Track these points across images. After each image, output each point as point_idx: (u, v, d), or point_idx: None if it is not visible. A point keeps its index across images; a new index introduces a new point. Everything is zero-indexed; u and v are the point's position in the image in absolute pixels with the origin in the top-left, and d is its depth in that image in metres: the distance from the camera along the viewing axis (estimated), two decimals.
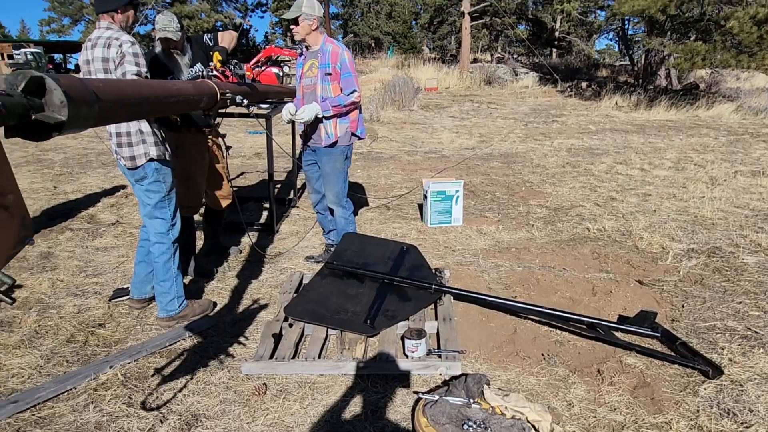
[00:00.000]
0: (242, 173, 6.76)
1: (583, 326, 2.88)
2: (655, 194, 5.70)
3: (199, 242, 3.95)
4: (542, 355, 2.67)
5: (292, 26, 3.33)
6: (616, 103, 15.88)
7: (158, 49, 3.20)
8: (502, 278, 3.58)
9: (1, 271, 1.02)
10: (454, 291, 3.09)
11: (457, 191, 4.60)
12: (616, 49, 40.57)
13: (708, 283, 3.49)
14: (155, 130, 2.70)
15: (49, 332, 2.82)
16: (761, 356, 2.63)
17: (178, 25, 3.09)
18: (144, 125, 2.63)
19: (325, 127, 3.43)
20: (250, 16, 36.32)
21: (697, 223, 4.71)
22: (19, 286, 3.36)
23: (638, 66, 20.34)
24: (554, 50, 34.54)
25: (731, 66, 13.84)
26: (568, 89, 19.45)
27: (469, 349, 2.70)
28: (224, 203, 3.79)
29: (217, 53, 3.17)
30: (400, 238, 4.35)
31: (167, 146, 2.79)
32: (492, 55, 35.35)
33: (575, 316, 2.90)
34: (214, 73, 3.13)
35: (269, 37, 46.84)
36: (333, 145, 3.45)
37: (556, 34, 32.49)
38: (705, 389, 2.38)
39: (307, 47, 3.46)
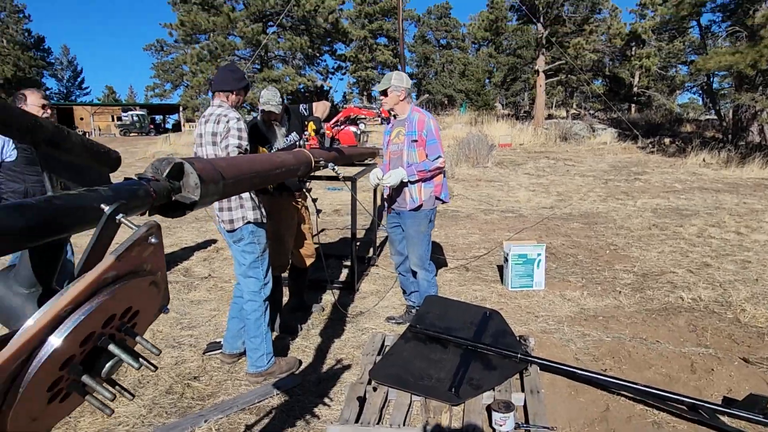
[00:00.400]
0: (322, 230, 7.00)
1: (684, 407, 2.69)
2: (755, 261, 5.32)
3: (284, 298, 4.10)
4: None
5: (381, 97, 3.53)
6: (704, 160, 15.15)
7: (259, 117, 3.49)
8: (590, 349, 3.43)
9: (149, 341, 1.14)
10: (540, 361, 3.00)
11: (539, 254, 4.53)
12: (701, 103, 38.97)
13: None
14: (252, 196, 2.91)
15: (150, 382, 3.01)
16: None
17: (280, 100, 3.38)
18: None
19: (410, 191, 3.54)
20: (331, 78, 38.39)
21: None
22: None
23: (727, 121, 19.40)
24: (633, 105, 33.72)
25: None
26: (650, 145, 18.81)
27: (558, 425, 2.60)
28: (309, 261, 3.95)
29: (311, 123, 3.40)
30: (480, 301, 4.31)
31: (262, 210, 2.99)
32: (567, 110, 35.06)
33: (674, 396, 2.72)
34: (309, 141, 3.35)
35: (347, 97, 49.13)
36: (417, 208, 3.54)
37: (635, 89, 31.79)
38: None
39: (394, 116, 3.64)
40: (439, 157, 3.48)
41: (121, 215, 1.02)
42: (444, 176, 3.66)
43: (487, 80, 41.63)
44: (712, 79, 19.60)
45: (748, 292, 4.38)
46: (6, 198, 3.48)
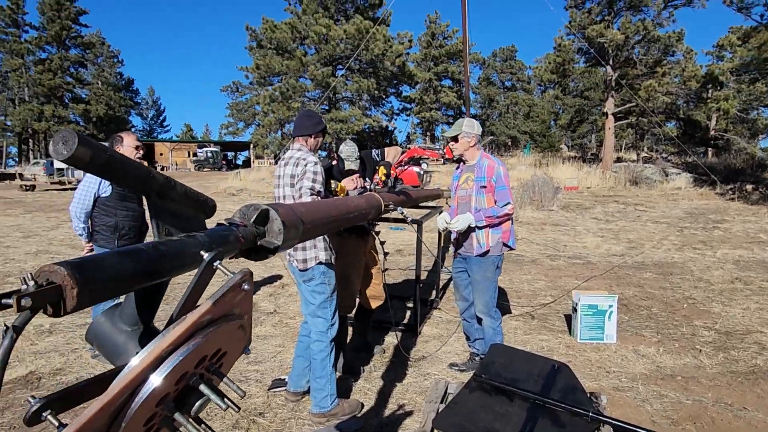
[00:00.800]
0: (385, 270, 7.03)
1: None
2: None
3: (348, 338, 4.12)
4: None
5: (451, 142, 3.58)
6: None
7: (334, 162, 3.62)
8: (668, 411, 3.21)
9: (234, 382, 1.19)
10: (614, 422, 2.83)
11: (611, 306, 4.33)
12: None
13: None
14: (324, 237, 2.98)
15: (218, 416, 3.08)
16: None
17: (358, 155, 3.53)
18: None
19: (478, 236, 3.51)
20: (395, 119, 39.25)
21: None
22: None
23: None
24: (710, 149, 32.16)
25: None
26: (730, 192, 17.76)
27: None
28: (375, 304, 3.97)
29: (382, 167, 3.49)
30: (547, 352, 4.15)
31: (333, 251, 3.06)
32: (638, 154, 33.90)
33: None
34: (379, 186, 3.43)
35: (410, 137, 49.89)
36: (484, 254, 3.51)
37: (712, 132, 30.40)
38: None
39: (464, 161, 3.66)
40: (508, 203, 3.46)
41: (218, 262, 1.09)
42: (512, 223, 3.62)
43: (552, 122, 41.14)
44: None
45: None
46: (98, 230, 3.75)
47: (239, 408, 1.18)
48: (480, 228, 3.49)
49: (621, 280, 6.53)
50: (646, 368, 3.87)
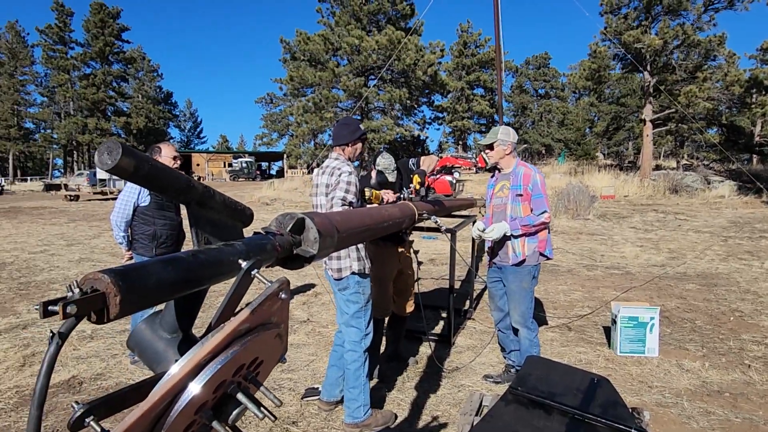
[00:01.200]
0: (418, 279, 6.99)
1: None
2: None
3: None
4: None
5: (486, 150, 3.53)
6: None
7: (373, 173, 3.62)
8: (716, 430, 3.06)
9: (271, 391, 1.18)
10: None
11: (652, 318, 4.18)
12: None
13: None
14: (360, 247, 2.98)
15: (252, 423, 3.10)
16: None
17: (395, 166, 3.54)
18: None
19: (513, 245, 3.45)
20: (427, 128, 39.24)
21: None
22: None
23: None
24: (755, 156, 30.95)
25: None
26: None
27: None
28: (407, 311, 3.96)
29: (416, 176, 3.47)
30: (585, 365, 4.04)
31: (368, 261, 3.05)
32: (678, 161, 32.92)
33: None
34: (412, 196, 3.41)
35: (442, 146, 49.76)
36: (520, 263, 3.44)
37: (757, 138, 29.28)
38: None
39: (499, 170, 3.61)
40: (545, 212, 3.39)
41: (255, 270, 1.09)
42: (549, 232, 3.54)
43: (587, 129, 40.41)
44: None
45: None
46: (137, 239, 3.85)
47: (276, 417, 1.17)
48: (516, 237, 3.43)
49: (662, 292, 6.32)
50: (691, 383, 3.71)
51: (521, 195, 3.41)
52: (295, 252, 1.49)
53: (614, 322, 4.29)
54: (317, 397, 3.34)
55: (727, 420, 3.17)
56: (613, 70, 27.20)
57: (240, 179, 39.97)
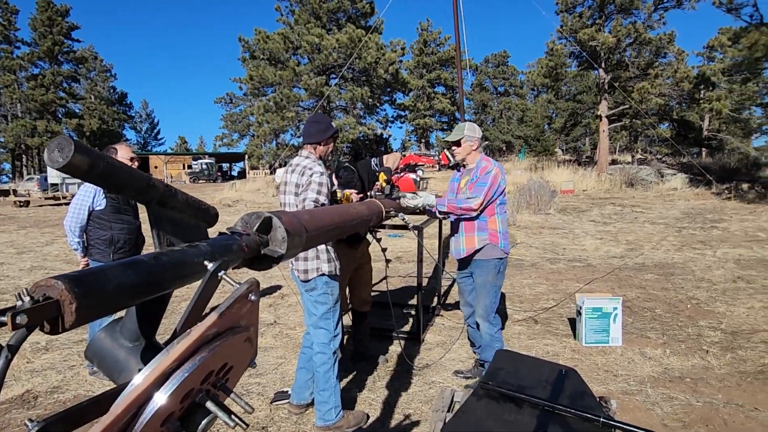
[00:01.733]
0: (384, 277, 6.98)
1: None
2: None
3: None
4: None
5: (453, 147, 3.53)
6: None
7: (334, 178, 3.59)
8: (679, 414, 3.16)
9: (242, 398, 1.13)
10: (627, 427, 2.78)
11: (615, 308, 4.29)
12: None
13: None
14: (328, 248, 2.93)
15: (220, 431, 3.01)
16: None
17: (356, 180, 3.55)
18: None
19: (459, 240, 3.47)
20: (390, 127, 39.32)
21: None
22: None
23: None
24: (704, 149, 32.31)
25: None
26: (726, 191, 17.81)
27: None
28: (366, 308, 3.98)
29: (382, 174, 3.45)
30: (552, 357, 4.10)
31: (337, 263, 3.00)
32: (633, 155, 34.02)
33: None
34: (379, 193, 3.38)
35: (405, 144, 49.97)
36: (484, 258, 3.43)
37: (705, 132, 30.55)
38: None
39: (464, 166, 3.62)
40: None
41: (222, 272, 1.04)
42: (501, 225, 3.49)
43: (546, 126, 41.32)
44: None
45: None
46: (93, 244, 3.69)
47: (247, 425, 1.12)
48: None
49: (623, 282, 6.50)
50: (654, 370, 3.82)
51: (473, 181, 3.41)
52: (262, 252, 1.44)
53: (579, 313, 4.37)
54: (287, 401, 3.28)
55: (689, 404, 3.28)
56: (569, 67, 27.88)
57: (200, 181, 39.11)
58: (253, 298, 1.04)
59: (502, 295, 5.87)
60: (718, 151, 30.65)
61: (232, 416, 1.01)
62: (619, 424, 2.86)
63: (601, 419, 2.84)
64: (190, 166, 42.36)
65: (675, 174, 22.31)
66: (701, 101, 24.08)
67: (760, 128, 23.71)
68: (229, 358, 1.05)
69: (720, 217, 12.99)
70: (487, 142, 46.76)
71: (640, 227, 11.63)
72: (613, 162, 29.12)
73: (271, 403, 3.33)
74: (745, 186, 18.62)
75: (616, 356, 4.10)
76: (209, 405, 0.95)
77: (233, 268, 1.28)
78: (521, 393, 3.11)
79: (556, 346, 4.36)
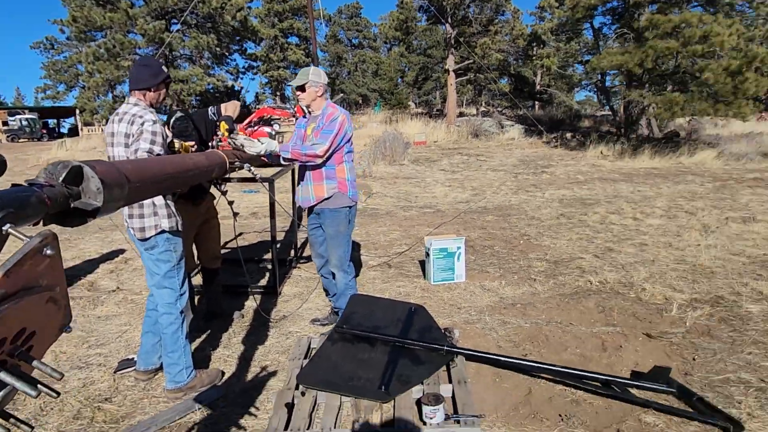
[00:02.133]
0: (240, 234, 6.77)
1: (598, 384, 2.86)
2: (651, 243, 5.79)
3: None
4: (560, 416, 2.63)
5: (298, 92, 3.43)
6: (601, 152, 16.30)
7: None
8: (511, 336, 3.57)
9: (48, 364, 1.02)
10: (466, 352, 3.07)
11: (459, 248, 4.64)
12: (596, 100, 41.89)
13: (715, 334, 3.51)
14: (168, 203, 2.73)
15: (55, 409, 2.75)
16: None
17: (191, 130, 3.26)
18: (158, 198, 2.66)
19: (307, 188, 3.46)
20: (241, 78, 37.31)
21: (696, 272, 4.77)
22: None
23: (619, 116, 21.01)
24: (537, 102, 35.67)
25: (710, 114, 14.40)
26: (554, 140, 19.97)
27: (485, 412, 2.67)
28: (216, 263, 3.84)
29: (223, 123, 3.27)
30: (404, 297, 4.35)
31: (178, 218, 2.81)
32: (477, 108, 36.46)
33: (589, 374, 2.89)
34: (222, 143, 3.21)
35: (260, 97, 47.99)
36: (334, 207, 3.46)
37: (538, 87, 33.64)
38: None
39: (310, 112, 3.56)
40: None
41: (8, 225, 0.90)
42: (350, 174, 3.51)
43: (399, 79, 42.31)
44: (605, 77, 21.14)
45: (647, 272, 4.75)
46: None
47: (58, 394, 1.02)
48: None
49: (467, 224, 7.05)
50: (491, 300, 4.25)
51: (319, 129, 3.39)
52: (73, 205, 1.28)
53: (428, 254, 4.66)
54: (133, 368, 3.08)
55: (519, 327, 3.71)
56: (419, 21, 28.59)
57: (21, 140, 33.91)
58: (49, 252, 0.92)
59: (357, 244, 6.04)
60: (548, 104, 34.05)
61: (38, 386, 0.91)
62: (460, 350, 3.14)
63: (445, 348, 3.10)
64: (5, 123, 36.43)
65: (513, 125, 24.40)
66: (534, 58, 26.32)
67: (580, 83, 26.75)
68: (27, 322, 0.93)
69: (549, 163, 14.58)
70: (342, 95, 46.71)
71: (483, 174, 12.62)
72: (461, 114, 30.97)
73: (114, 372, 3.11)
74: (568, 135, 21.02)
75: (460, 291, 4.48)
76: (2, 375, 0.84)
77: (34, 225, 1.12)
78: (374, 333, 3.27)
79: (408, 286, 4.62)
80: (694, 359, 3.18)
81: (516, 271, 5.01)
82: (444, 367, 3.04)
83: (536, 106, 36.21)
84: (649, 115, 18.00)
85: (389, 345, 3.11)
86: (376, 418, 2.56)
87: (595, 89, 25.14)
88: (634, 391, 2.79)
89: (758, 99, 14.45)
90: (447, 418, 2.53)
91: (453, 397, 2.75)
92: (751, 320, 3.69)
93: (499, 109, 34.83)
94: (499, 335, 3.57)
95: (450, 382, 2.88)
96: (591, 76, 21.42)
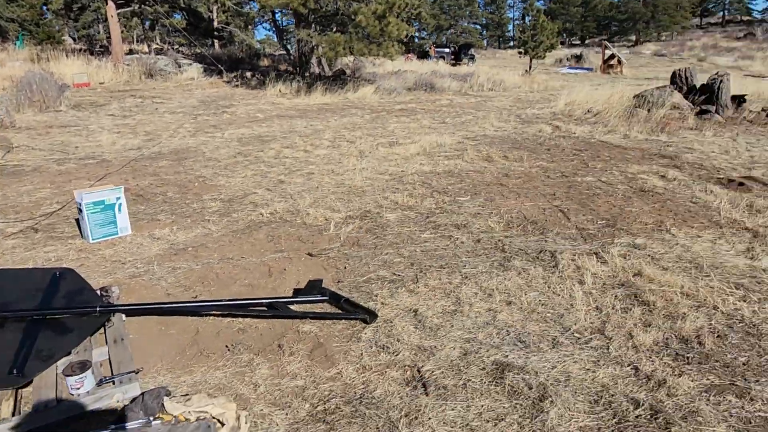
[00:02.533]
0: None
1: (263, 308, 3.03)
2: (317, 172, 6.33)
3: None
4: (226, 347, 2.71)
5: None
6: (280, 90, 16.87)
7: None
8: (181, 281, 3.46)
9: None
10: (123, 308, 2.85)
11: (118, 198, 4.20)
12: (275, 39, 42.87)
13: (363, 242, 4.09)
14: None
15: None
16: (404, 294, 3.22)
17: None
18: None
19: None
20: None
21: (351, 192, 5.43)
22: None
23: (294, 55, 21.96)
24: (216, 41, 34.39)
25: (365, 54, 16.25)
26: (234, 79, 19.73)
27: (150, 363, 2.55)
28: None
29: None
30: (56, 262, 3.76)
31: None
32: (149, 45, 33.13)
33: (254, 301, 3.04)
34: None
35: None
36: None
37: (215, 24, 32.38)
38: (366, 334, 2.80)
39: None
40: None
41: None
42: None
43: (44, 7, 35.07)
44: (278, 16, 21.64)
45: (311, 198, 5.20)
46: None
47: None
48: None
49: (137, 173, 6.45)
50: (161, 249, 4.03)
51: None
52: None
53: (80, 210, 4.10)
54: None
55: (190, 270, 3.62)
56: None
57: None
58: None
59: None
60: (230, 43, 33.22)
61: None
62: (116, 308, 2.90)
63: (98, 308, 2.81)
64: None
65: (191, 64, 23.05)
66: None
67: (254, 21, 26.78)
68: None
69: (230, 103, 14.39)
70: None
71: (159, 117, 11.68)
72: (131, 52, 27.66)
73: None
74: (249, 74, 21.03)
75: (126, 245, 4.11)
76: None
77: None
78: (3, 311, 2.74)
79: (60, 250, 4.00)
80: (345, 268, 3.65)
81: (189, 214, 4.85)
82: (102, 331, 2.78)
83: (216, 45, 34.94)
84: (319, 54, 19.28)
85: (25, 321, 2.65)
86: (6, 410, 2.18)
87: (273, 28, 25.61)
88: (294, 307, 3.05)
89: (401, 41, 16.94)
90: (100, 382, 2.33)
91: (109, 359, 2.54)
92: (389, 227, 4.42)
93: (176, 47, 32.46)
94: (168, 283, 3.43)
95: (106, 343, 2.65)
96: (264, 14, 21.63)
